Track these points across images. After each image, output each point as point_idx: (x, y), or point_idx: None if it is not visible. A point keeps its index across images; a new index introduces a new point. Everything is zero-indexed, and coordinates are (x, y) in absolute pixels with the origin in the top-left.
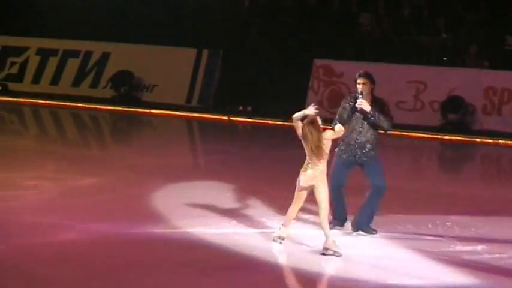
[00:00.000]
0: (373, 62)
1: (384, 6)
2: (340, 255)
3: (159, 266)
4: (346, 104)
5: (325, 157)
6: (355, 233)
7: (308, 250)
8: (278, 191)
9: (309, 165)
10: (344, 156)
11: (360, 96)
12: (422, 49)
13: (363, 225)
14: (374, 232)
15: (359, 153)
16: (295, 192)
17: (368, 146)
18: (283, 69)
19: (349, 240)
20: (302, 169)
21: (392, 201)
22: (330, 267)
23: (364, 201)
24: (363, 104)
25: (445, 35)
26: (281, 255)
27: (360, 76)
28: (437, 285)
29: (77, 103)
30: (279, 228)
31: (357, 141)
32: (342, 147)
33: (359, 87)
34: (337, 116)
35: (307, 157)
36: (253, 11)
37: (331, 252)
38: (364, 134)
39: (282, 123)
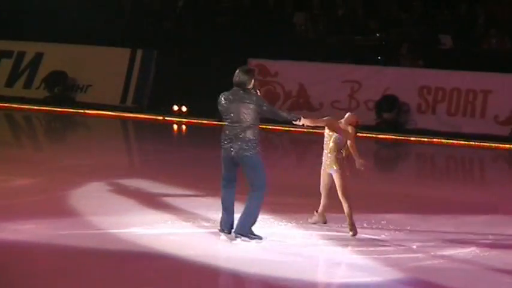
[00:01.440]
0: (307, 61)
1: (318, 5)
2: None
3: (90, 267)
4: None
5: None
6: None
7: (241, 249)
8: (214, 191)
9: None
10: None
11: (258, 89)
12: (356, 48)
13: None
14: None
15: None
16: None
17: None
18: (218, 69)
19: (282, 239)
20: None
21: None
22: (263, 269)
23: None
24: None
25: (378, 35)
26: (217, 255)
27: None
28: (371, 284)
29: (11, 104)
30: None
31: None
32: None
33: (256, 83)
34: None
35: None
36: (187, 11)
37: None
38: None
39: (217, 122)
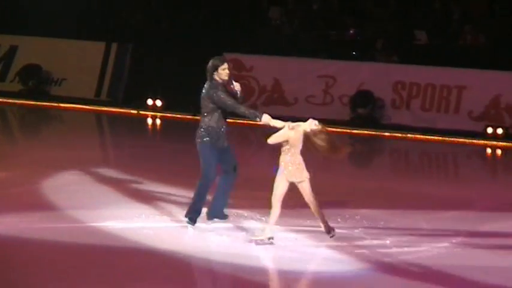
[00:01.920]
0: (282, 56)
1: (293, 0)
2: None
3: (65, 260)
4: (224, 93)
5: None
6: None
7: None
8: (188, 185)
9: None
10: (221, 143)
11: (233, 80)
12: (331, 43)
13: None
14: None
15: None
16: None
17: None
18: (192, 63)
19: (258, 233)
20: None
21: (301, 196)
22: (237, 261)
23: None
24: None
25: (352, 30)
26: (190, 248)
27: (227, 62)
28: (344, 278)
29: None
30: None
31: (224, 128)
32: (212, 136)
33: (227, 72)
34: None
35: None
36: (163, 4)
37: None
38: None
39: (192, 116)
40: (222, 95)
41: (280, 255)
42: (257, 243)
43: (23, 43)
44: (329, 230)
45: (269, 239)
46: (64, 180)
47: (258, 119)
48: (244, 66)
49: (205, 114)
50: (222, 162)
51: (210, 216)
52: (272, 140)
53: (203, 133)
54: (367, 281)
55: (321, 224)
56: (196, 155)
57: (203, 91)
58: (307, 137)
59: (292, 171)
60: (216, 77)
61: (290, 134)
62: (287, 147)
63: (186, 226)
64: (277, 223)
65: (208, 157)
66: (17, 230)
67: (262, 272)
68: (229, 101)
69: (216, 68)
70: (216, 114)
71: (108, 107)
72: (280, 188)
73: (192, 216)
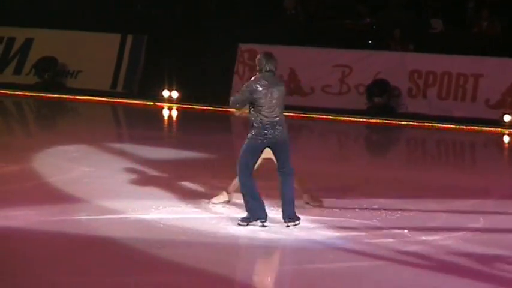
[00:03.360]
0: (298, 46)
1: None
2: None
3: (82, 253)
4: None
5: None
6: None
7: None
8: (204, 177)
9: None
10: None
11: None
12: (347, 33)
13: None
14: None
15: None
16: None
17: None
18: (208, 54)
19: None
20: None
21: (318, 186)
22: (258, 255)
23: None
24: None
25: (368, 19)
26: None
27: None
28: (364, 268)
29: (1, 90)
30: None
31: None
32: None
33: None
34: None
35: None
36: None
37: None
38: None
39: (208, 107)
40: (240, 91)
41: (295, 246)
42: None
43: (39, 36)
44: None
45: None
46: (80, 172)
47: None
48: None
49: (283, 109)
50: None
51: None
52: None
53: (250, 128)
54: (385, 271)
55: None
56: (211, 147)
57: (281, 88)
58: None
59: None
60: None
61: None
62: None
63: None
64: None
65: (246, 147)
66: (33, 223)
67: (279, 263)
68: (232, 97)
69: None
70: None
71: (124, 99)
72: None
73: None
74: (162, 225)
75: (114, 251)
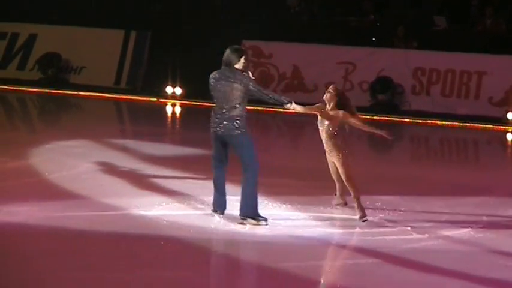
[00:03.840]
0: (301, 43)
1: None
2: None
3: (85, 249)
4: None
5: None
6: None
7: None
8: (207, 172)
9: None
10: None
11: (248, 70)
12: (350, 30)
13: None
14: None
15: None
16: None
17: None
18: (212, 50)
19: (277, 221)
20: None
21: (321, 183)
22: (257, 250)
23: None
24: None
25: (373, 16)
26: (212, 237)
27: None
28: (367, 265)
29: (4, 85)
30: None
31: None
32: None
33: (245, 63)
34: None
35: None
36: None
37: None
38: None
39: (212, 104)
40: (256, 84)
41: (298, 243)
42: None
43: (42, 31)
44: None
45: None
46: (83, 168)
47: (290, 104)
48: (263, 53)
49: (237, 105)
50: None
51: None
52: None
53: (241, 123)
54: (387, 268)
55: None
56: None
57: (234, 81)
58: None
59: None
60: (237, 66)
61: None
62: (336, 129)
63: (242, 222)
64: (297, 210)
65: (251, 146)
66: (36, 219)
67: (282, 260)
68: (265, 91)
69: (240, 58)
70: (244, 104)
71: (127, 95)
72: (349, 170)
73: (257, 213)
74: (165, 222)
75: (117, 247)
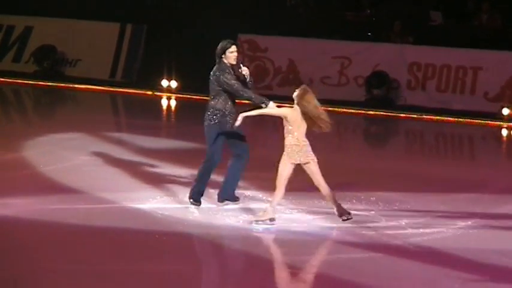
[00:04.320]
0: (297, 37)
1: None
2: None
3: (80, 242)
4: (231, 76)
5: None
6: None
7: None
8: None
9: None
10: (227, 126)
11: (242, 64)
12: (346, 24)
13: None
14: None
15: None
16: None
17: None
18: (207, 43)
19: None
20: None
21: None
22: (252, 244)
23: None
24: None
25: (369, 11)
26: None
27: (236, 45)
28: (361, 259)
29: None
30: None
31: (230, 111)
32: (218, 119)
33: (235, 56)
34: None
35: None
36: None
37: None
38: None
39: (207, 97)
40: (229, 78)
41: (293, 238)
42: (258, 223)
43: (38, 24)
44: (342, 213)
45: (270, 220)
46: (78, 161)
47: (264, 105)
48: (259, 47)
49: (212, 96)
50: (232, 146)
51: (221, 198)
52: (268, 111)
53: (210, 116)
54: (382, 263)
55: (334, 207)
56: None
57: (211, 73)
58: (306, 114)
59: (293, 152)
60: (224, 59)
61: (286, 111)
62: (289, 127)
63: (190, 207)
64: (292, 204)
65: (213, 140)
66: (31, 212)
67: (272, 254)
68: (235, 85)
69: (224, 51)
70: (223, 97)
71: (122, 88)
72: (284, 170)
73: (195, 198)
74: (160, 215)
75: (112, 240)
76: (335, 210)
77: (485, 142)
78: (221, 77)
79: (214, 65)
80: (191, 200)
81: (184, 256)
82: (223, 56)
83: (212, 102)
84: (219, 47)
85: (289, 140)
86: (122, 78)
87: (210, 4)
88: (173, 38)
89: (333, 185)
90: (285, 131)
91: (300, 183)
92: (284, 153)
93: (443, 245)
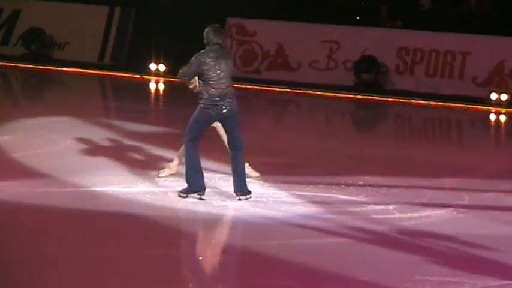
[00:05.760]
0: (286, 21)
1: None
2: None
3: (68, 225)
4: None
5: None
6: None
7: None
8: None
9: None
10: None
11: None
12: (335, 8)
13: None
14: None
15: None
16: None
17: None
18: (196, 27)
19: (259, 198)
20: None
21: (304, 161)
22: (237, 228)
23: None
24: None
25: None
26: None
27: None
28: (349, 244)
29: None
30: None
31: (214, 96)
32: (205, 103)
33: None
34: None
35: None
36: None
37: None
38: None
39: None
40: (186, 65)
41: (280, 221)
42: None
43: (26, 7)
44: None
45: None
46: (66, 144)
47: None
48: (247, 31)
49: (231, 82)
50: (226, 137)
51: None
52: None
53: (199, 100)
54: (370, 247)
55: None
56: None
57: (226, 59)
58: None
59: None
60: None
61: None
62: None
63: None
64: (280, 189)
65: (194, 119)
66: (19, 195)
67: (264, 238)
68: (181, 69)
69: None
70: (200, 81)
71: (111, 71)
72: None
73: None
74: (148, 199)
75: (100, 224)
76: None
77: (474, 127)
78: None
79: (218, 51)
80: (249, 195)
81: (173, 240)
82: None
83: (232, 89)
84: (221, 34)
85: None
86: (110, 61)
87: None
88: (161, 21)
89: (322, 169)
90: None
91: (287, 168)
92: None
93: (431, 229)
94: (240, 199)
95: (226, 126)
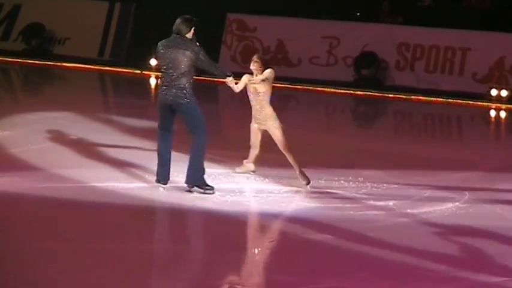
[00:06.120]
0: (286, 16)
1: None
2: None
3: (72, 220)
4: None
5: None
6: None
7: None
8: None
9: None
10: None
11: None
12: (336, 4)
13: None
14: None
15: None
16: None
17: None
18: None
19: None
20: None
21: (304, 156)
22: (242, 225)
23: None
24: None
25: None
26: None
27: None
28: (348, 240)
29: None
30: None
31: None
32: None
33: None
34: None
35: None
36: None
37: None
38: None
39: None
40: (206, 54)
41: (280, 217)
42: None
43: (27, 2)
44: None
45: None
46: (65, 140)
47: (227, 78)
48: (247, 27)
49: (186, 72)
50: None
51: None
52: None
53: (189, 92)
54: (369, 243)
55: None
56: None
57: (178, 49)
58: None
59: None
60: (188, 36)
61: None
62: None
63: (180, 187)
64: (274, 184)
65: (200, 116)
66: (19, 190)
67: (260, 233)
68: (213, 62)
69: (190, 28)
70: (192, 73)
71: (111, 67)
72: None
73: (203, 181)
74: (148, 193)
75: (99, 218)
76: (298, 174)
77: (474, 123)
78: (201, 52)
79: (170, 40)
80: (203, 186)
81: (172, 236)
82: (188, 33)
83: (186, 79)
84: (185, 24)
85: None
86: (110, 57)
87: None
88: (162, 16)
89: (322, 164)
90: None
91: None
92: (274, 119)
93: (431, 224)
94: (190, 191)
95: (181, 116)
